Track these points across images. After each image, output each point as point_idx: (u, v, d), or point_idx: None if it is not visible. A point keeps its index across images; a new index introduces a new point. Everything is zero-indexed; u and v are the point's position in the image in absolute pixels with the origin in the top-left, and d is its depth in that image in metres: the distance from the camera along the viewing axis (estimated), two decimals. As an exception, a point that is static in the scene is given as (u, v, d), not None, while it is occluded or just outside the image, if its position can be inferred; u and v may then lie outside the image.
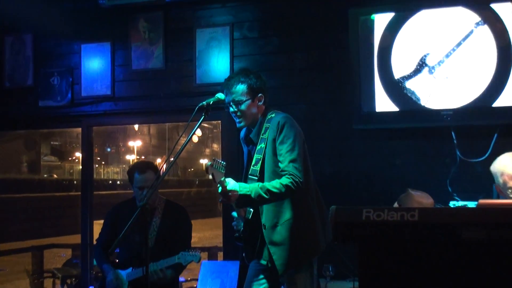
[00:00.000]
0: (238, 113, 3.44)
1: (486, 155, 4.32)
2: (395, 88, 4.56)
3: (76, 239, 6.43)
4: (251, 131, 3.50)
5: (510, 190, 3.48)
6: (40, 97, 5.74)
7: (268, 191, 3.19)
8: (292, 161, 3.25)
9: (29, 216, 16.41)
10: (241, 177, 3.51)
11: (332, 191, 3.92)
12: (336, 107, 4.84)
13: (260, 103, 3.47)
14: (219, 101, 3.43)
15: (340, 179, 4.77)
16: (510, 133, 4.34)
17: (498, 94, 4.32)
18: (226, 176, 3.17)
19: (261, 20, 5.17)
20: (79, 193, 5.87)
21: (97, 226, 5.05)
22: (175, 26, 5.42)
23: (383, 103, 4.58)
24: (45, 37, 5.81)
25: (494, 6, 4.36)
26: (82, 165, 5.93)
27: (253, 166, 3.40)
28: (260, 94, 3.46)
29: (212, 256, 7.03)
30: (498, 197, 3.59)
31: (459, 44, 4.42)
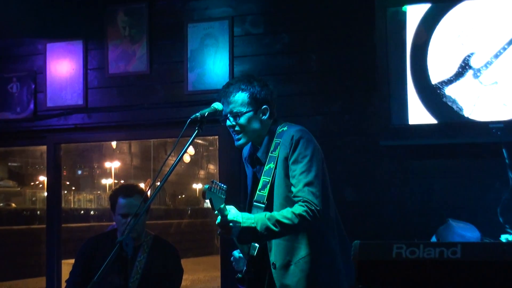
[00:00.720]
0: (236, 128, 3.42)
1: (546, 177, 4.31)
2: (433, 96, 4.57)
3: (40, 282, 6.41)
4: (257, 149, 3.49)
5: None
6: (-4, 108, 5.79)
7: (278, 223, 3.16)
8: (308, 184, 3.23)
9: (-20, 255, 16.33)
10: (245, 205, 3.51)
11: (355, 223, 3.92)
12: (360, 119, 4.86)
13: (265, 117, 3.44)
14: (216, 112, 3.40)
15: (365, 208, 4.77)
16: None
17: (559, 102, 4.32)
18: (227, 204, 3.14)
19: (267, 13, 5.20)
20: (44, 226, 5.87)
21: (67, 266, 5.04)
22: (162, 20, 5.45)
23: (418, 114, 4.60)
24: (0, 35, 5.84)
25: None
26: (47, 192, 5.92)
27: (259, 191, 3.38)
28: (265, 106, 3.44)
29: (207, 304, 7.00)
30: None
31: (510, 42, 4.44)
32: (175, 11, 5.42)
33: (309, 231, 3.30)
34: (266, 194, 3.33)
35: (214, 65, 5.22)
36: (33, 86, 5.71)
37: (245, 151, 3.65)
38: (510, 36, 4.44)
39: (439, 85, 4.57)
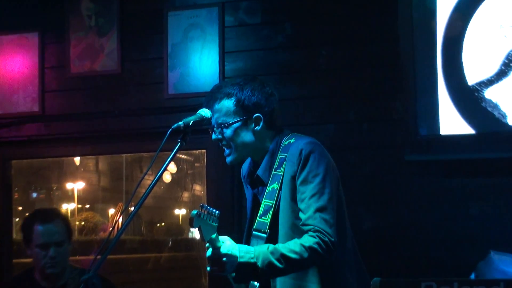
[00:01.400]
0: (223, 142, 3.44)
1: None
2: (469, 100, 4.59)
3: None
4: (257, 166, 3.49)
5: None
6: None
7: (283, 257, 3.13)
8: (320, 209, 3.20)
9: None
10: (241, 235, 3.51)
11: (375, 256, 3.93)
12: (380, 129, 4.88)
13: (258, 128, 3.44)
14: (204, 120, 3.38)
15: (387, 238, 4.78)
16: None
17: None
18: (220, 233, 3.12)
19: (266, -1, 5.24)
20: (-9, 260, 5.86)
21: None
22: (137, 7, 5.48)
23: (451, 122, 4.62)
24: None
25: None
26: (-5, 219, 5.92)
27: (260, 217, 3.37)
28: (257, 115, 3.44)
29: None
30: None
31: None
32: (153, -4, 5.44)
33: (321, 267, 3.29)
34: (269, 221, 3.33)
35: (200, 62, 5.23)
36: (-24, 89, 5.72)
37: (244, 168, 3.65)
38: None
39: (477, 87, 4.59)
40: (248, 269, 3.13)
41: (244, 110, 3.41)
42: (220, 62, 5.18)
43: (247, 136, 3.42)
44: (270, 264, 3.11)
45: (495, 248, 3.74)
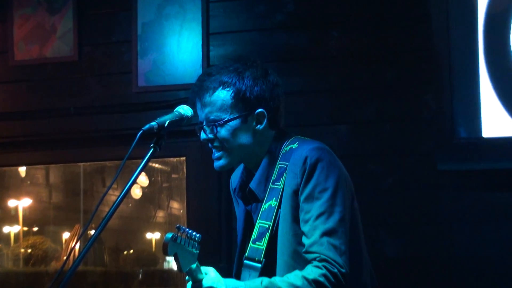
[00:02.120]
0: (215, 143, 3.42)
1: None
2: (519, 94, 4.60)
3: None
4: (251, 176, 3.49)
5: None
6: None
7: (281, 294, 3.18)
8: (328, 233, 3.19)
9: None
10: (231, 265, 3.52)
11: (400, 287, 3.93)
12: (407, 130, 4.89)
13: (260, 127, 3.43)
14: (183, 119, 3.37)
15: (414, 266, 4.79)
16: None
17: None
18: (203, 263, 3.13)
19: (261, -33, 5.24)
20: None
21: None
22: (97, -22, 5.49)
23: (496, 122, 4.63)
24: None
25: None
26: None
27: (253, 243, 3.37)
28: (259, 110, 3.42)
29: None
30: None
31: None
32: (118, -37, 5.45)
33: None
34: (264, 247, 3.31)
35: (179, 47, 5.24)
36: None
37: (234, 179, 3.63)
38: None
39: (529, 77, 4.61)
40: None
41: (244, 104, 3.38)
42: (203, 46, 5.18)
43: (245, 137, 3.40)
44: None
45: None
